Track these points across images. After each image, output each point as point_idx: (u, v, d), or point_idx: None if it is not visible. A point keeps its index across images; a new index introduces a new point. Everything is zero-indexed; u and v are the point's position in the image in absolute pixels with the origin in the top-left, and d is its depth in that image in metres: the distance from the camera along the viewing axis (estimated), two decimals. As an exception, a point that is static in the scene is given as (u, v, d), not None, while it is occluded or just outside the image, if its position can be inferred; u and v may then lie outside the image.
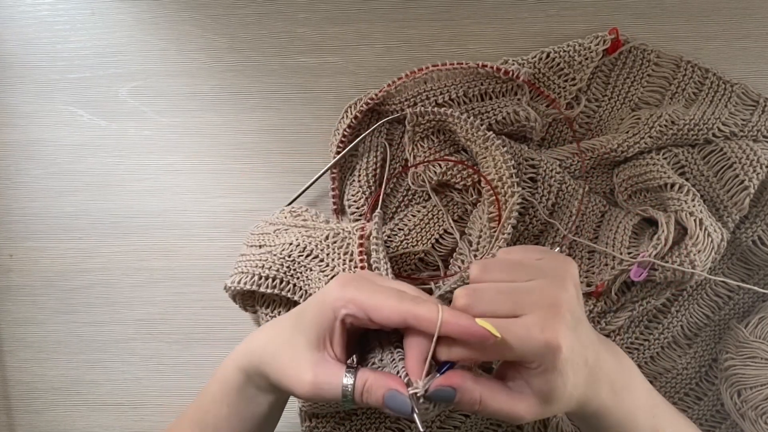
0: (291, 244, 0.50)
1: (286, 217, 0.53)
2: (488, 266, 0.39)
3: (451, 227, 0.52)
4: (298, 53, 0.55)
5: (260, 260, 0.50)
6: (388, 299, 0.37)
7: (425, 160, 0.52)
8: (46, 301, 0.58)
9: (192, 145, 0.56)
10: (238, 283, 0.51)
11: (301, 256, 0.50)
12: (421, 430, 0.37)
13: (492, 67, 0.50)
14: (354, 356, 0.42)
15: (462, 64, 0.51)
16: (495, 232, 0.48)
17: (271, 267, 0.50)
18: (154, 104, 0.56)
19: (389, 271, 0.48)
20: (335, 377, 0.38)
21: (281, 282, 0.50)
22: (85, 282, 0.57)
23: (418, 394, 0.36)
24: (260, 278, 0.50)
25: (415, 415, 0.36)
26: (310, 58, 0.55)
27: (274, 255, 0.50)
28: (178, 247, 0.57)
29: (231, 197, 0.56)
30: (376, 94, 0.52)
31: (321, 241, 0.50)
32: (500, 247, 0.47)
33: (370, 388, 0.37)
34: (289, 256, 0.50)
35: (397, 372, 0.38)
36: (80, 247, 0.57)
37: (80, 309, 0.57)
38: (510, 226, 0.48)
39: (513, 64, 0.51)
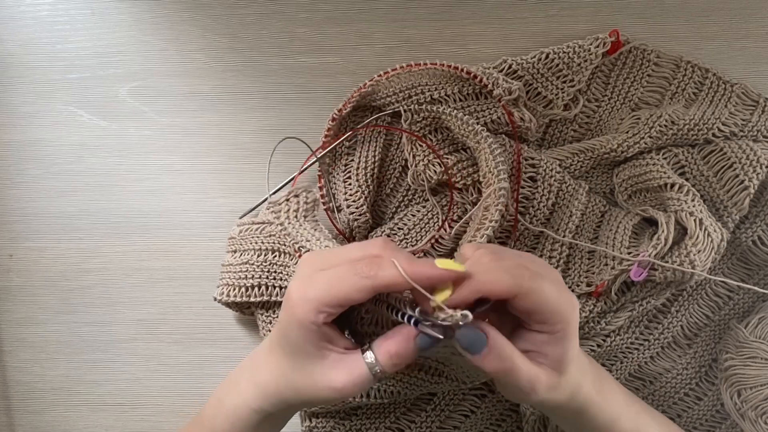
0: (262, 249, 0.50)
1: (252, 227, 0.53)
2: (485, 245, 0.39)
3: (448, 226, 0.52)
4: (298, 53, 0.55)
5: (242, 270, 0.51)
6: (346, 281, 0.35)
7: (425, 157, 0.52)
8: (46, 301, 0.58)
9: (192, 145, 0.56)
10: (227, 295, 0.52)
11: (276, 257, 0.50)
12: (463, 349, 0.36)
13: (467, 72, 0.51)
14: (348, 330, 0.42)
15: (442, 65, 0.51)
16: (485, 220, 0.48)
17: (253, 275, 0.51)
18: (154, 104, 0.56)
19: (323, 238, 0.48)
20: (358, 366, 0.37)
21: (267, 288, 0.51)
22: (85, 282, 0.57)
23: (451, 320, 0.34)
24: (247, 289, 0.51)
25: (455, 339, 0.35)
26: (310, 58, 0.55)
27: (253, 264, 0.51)
28: (178, 247, 0.57)
29: (231, 197, 0.56)
30: (363, 84, 0.52)
31: (286, 242, 0.50)
32: (487, 233, 0.47)
33: (397, 353, 0.37)
34: (266, 261, 0.50)
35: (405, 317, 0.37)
36: (80, 247, 0.57)
37: (80, 309, 0.57)
38: (498, 212, 0.47)
39: (501, 83, 0.51)
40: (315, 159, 0.53)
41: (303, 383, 0.38)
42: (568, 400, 0.39)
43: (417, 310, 0.36)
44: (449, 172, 0.52)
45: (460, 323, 0.34)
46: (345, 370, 0.37)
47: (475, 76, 0.51)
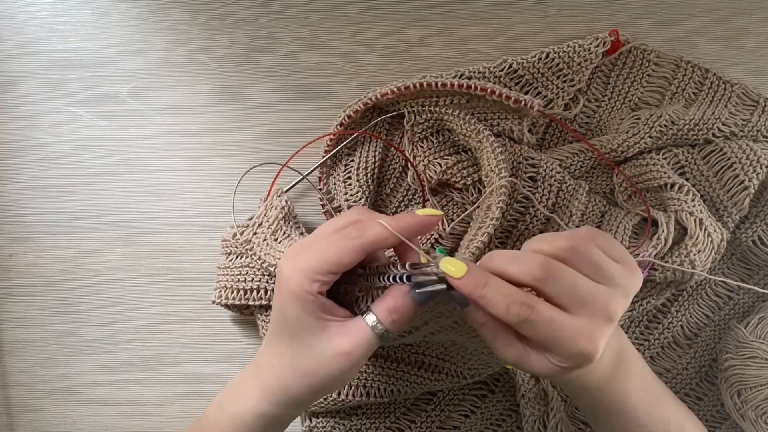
0: (259, 259, 0.50)
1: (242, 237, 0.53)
2: (578, 246, 0.37)
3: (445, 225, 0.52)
4: (298, 53, 0.55)
5: (240, 273, 0.51)
6: (335, 245, 0.36)
7: (425, 159, 0.52)
8: (46, 301, 0.58)
9: (192, 145, 0.56)
10: (225, 298, 0.52)
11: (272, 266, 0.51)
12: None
13: (503, 95, 0.49)
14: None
15: (473, 87, 0.50)
16: (486, 218, 0.48)
17: (252, 279, 0.51)
18: (154, 104, 0.56)
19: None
20: (361, 329, 0.38)
21: (266, 292, 0.51)
22: (85, 282, 0.57)
23: (433, 291, 0.36)
24: (246, 292, 0.51)
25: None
26: (310, 58, 0.55)
27: (253, 267, 0.51)
28: (178, 247, 0.57)
29: (231, 197, 0.56)
30: (373, 98, 0.51)
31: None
32: (488, 231, 0.47)
33: (395, 308, 0.37)
34: (263, 263, 0.50)
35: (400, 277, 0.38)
36: (80, 247, 0.57)
37: (80, 309, 0.57)
38: (498, 209, 0.47)
39: (523, 96, 0.50)
40: (320, 162, 0.54)
41: (309, 362, 0.38)
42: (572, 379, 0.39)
43: (407, 265, 0.37)
44: (449, 172, 0.52)
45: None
46: (349, 335, 0.38)
47: (509, 97, 0.49)
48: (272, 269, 0.49)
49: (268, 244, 0.50)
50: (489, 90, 0.49)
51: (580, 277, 0.36)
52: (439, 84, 0.50)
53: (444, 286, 0.36)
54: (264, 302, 0.51)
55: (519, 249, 0.51)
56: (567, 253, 0.36)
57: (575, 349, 0.35)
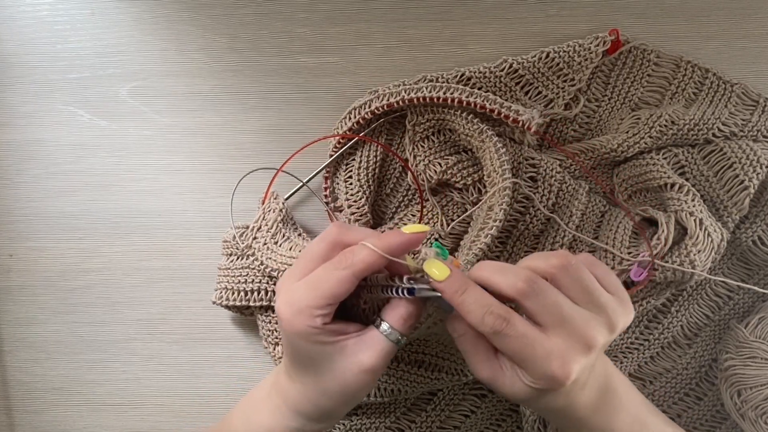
0: (261, 264, 0.51)
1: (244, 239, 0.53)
2: (571, 267, 0.37)
3: (444, 223, 0.52)
4: (298, 53, 0.55)
5: (241, 275, 0.51)
6: (327, 279, 0.36)
7: (426, 159, 0.52)
8: (46, 301, 0.58)
9: (192, 145, 0.56)
10: (226, 299, 0.52)
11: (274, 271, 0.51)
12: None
13: (502, 114, 0.50)
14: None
15: (474, 105, 0.50)
16: (489, 219, 0.48)
17: (253, 280, 0.51)
18: (154, 104, 0.56)
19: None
20: (378, 341, 0.39)
21: (266, 293, 0.51)
22: (85, 282, 0.57)
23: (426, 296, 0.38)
24: (246, 293, 0.51)
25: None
26: (310, 58, 0.55)
27: (254, 269, 0.51)
28: (178, 247, 0.57)
29: (230, 197, 0.56)
30: (381, 107, 0.51)
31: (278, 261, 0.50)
32: (491, 233, 0.47)
33: (409, 313, 0.38)
34: (266, 268, 0.51)
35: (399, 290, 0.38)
36: (80, 247, 0.57)
37: (80, 309, 0.57)
38: (501, 210, 0.47)
39: (522, 113, 0.50)
40: (321, 168, 0.54)
41: (336, 384, 0.39)
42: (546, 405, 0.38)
43: (405, 279, 0.37)
44: (449, 171, 0.52)
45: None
46: (369, 350, 0.38)
47: (499, 113, 0.50)
48: (275, 273, 0.50)
49: (268, 248, 0.51)
50: (488, 109, 0.50)
51: (564, 299, 0.36)
52: (440, 99, 0.50)
53: (439, 293, 0.37)
54: (264, 303, 0.52)
55: (518, 249, 0.52)
56: (558, 271, 0.37)
57: (546, 370, 0.35)
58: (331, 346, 0.38)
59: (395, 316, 0.39)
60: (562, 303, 0.36)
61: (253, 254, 0.51)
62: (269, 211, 0.52)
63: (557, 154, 0.53)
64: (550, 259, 0.37)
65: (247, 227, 0.53)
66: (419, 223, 0.53)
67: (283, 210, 0.52)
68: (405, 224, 0.53)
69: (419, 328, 0.46)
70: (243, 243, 0.51)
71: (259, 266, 0.51)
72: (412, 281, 0.37)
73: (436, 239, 0.52)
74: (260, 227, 0.52)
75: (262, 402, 0.43)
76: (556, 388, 0.36)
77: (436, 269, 0.37)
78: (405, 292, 0.37)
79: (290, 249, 0.50)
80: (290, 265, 0.49)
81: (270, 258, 0.50)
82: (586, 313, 0.36)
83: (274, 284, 0.51)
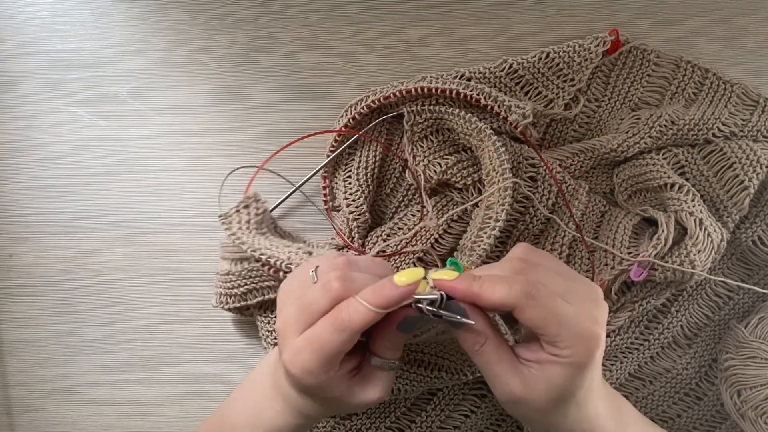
0: (238, 259, 0.51)
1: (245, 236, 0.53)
2: (536, 252, 0.39)
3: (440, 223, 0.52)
4: (298, 53, 0.55)
5: (229, 280, 0.51)
6: (328, 341, 0.36)
7: (425, 159, 0.52)
8: (46, 301, 0.58)
9: (192, 145, 0.56)
10: (225, 303, 0.52)
11: (249, 263, 0.51)
12: (461, 319, 0.37)
13: (494, 111, 0.50)
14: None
15: (469, 97, 0.50)
16: (489, 219, 0.48)
17: (245, 284, 0.51)
18: (154, 104, 0.56)
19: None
20: (376, 375, 0.40)
21: (259, 291, 0.51)
22: (85, 282, 0.57)
23: (427, 300, 0.37)
24: (244, 294, 0.51)
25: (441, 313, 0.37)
26: (310, 58, 0.55)
27: (251, 270, 0.51)
28: (178, 247, 0.57)
29: (231, 197, 0.56)
30: (377, 101, 0.51)
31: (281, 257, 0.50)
32: (494, 233, 0.47)
33: (391, 345, 0.39)
34: (247, 269, 0.51)
35: None
36: (80, 247, 0.57)
37: (80, 309, 0.57)
38: (503, 211, 0.47)
39: (514, 110, 0.50)
40: (318, 168, 0.54)
41: (343, 410, 0.43)
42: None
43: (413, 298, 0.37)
44: (449, 171, 0.52)
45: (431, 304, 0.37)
46: (373, 386, 0.40)
47: (490, 108, 0.50)
48: (280, 264, 0.49)
49: (248, 228, 0.51)
50: (482, 103, 0.50)
51: (552, 266, 0.38)
52: (438, 90, 0.50)
53: (436, 295, 0.37)
54: (259, 299, 0.51)
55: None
56: (532, 257, 0.39)
57: (581, 328, 0.35)
58: (338, 389, 0.39)
59: (381, 348, 0.40)
60: (560, 271, 0.38)
61: (230, 228, 0.51)
62: (253, 201, 0.52)
63: (557, 154, 0.53)
64: (514, 253, 0.40)
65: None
66: (420, 221, 0.52)
67: (260, 209, 0.52)
68: (405, 224, 0.53)
69: (420, 336, 0.46)
70: (222, 219, 0.52)
71: (234, 241, 0.50)
72: (418, 300, 0.37)
73: (437, 240, 0.52)
74: (241, 209, 0.52)
75: (266, 401, 0.43)
76: (594, 351, 0.35)
77: (445, 275, 0.37)
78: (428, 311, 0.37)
79: (266, 239, 0.50)
80: (265, 251, 0.49)
81: (246, 235, 0.50)
82: (576, 283, 0.38)
83: (260, 282, 0.51)
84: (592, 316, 0.36)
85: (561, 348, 0.35)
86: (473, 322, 0.37)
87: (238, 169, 0.55)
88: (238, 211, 0.52)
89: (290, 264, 0.47)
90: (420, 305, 0.37)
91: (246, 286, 0.51)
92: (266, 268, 0.50)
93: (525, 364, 0.37)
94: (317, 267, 0.39)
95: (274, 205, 0.54)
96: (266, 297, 0.51)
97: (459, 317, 0.37)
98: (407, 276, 0.36)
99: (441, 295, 0.37)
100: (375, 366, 0.40)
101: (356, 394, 0.40)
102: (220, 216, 0.52)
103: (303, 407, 0.41)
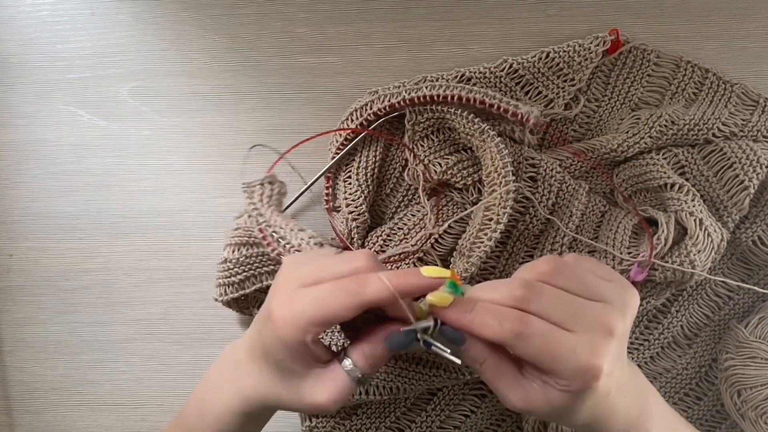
0: (237, 245, 0.50)
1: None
2: (561, 267, 0.37)
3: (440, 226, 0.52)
4: (298, 53, 0.55)
5: (237, 265, 0.51)
6: (334, 300, 0.35)
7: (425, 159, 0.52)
8: (46, 301, 0.58)
9: (192, 145, 0.56)
10: (224, 294, 0.52)
11: (248, 249, 0.51)
12: (452, 356, 0.36)
13: (501, 109, 0.50)
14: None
15: (473, 101, 0.50)
16: (489, 221, 0.48)
17: (244, 271, 0.51)
18: (154, 104, 0.56)
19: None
20: (338, 378, 0.38)
21: (256, 277, 0.51)
22: (85, 282, 0.57)
23: (421, 327, 0.36)
24: (242, 281, 0.51)
25: (434, 347, 0.36)
26: (310, 58, 0.55)
27: (249, 257, 0.51)
28: (178, 247, 0.57)
29: (231, 197, 0.56)
30: (383, 108, 0.51)
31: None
32: (495, 235, 0.47)
33: (371, 354, 0.38)
34: (246, 255, 0.50)
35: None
36: (80, 247, 0.57)
37: (80, 309, 0.57)
38: (505, 214, 0.47)
39: (523, 107, 0.50)
40: (324, 169, 0.54)
41: (287, 396, 0.39)
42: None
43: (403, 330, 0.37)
44: (449, 171, 0.52)
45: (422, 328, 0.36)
46: (327, 386, 0.38)
47: (498, 107, 0.49)
48: (261, 226, 0.49)
49: (268, 203, 0.50)
50: (487, 104, 0.49)
51: (567, 294, 0.36)
52: (440, 96, 0.50)
53: (430, 323, 0.36)
54: (257, 286, 0.51)
55: (518, 250, 0.52)
56: (549, 275, 0.36)
57: (577, 363, 0.34)
58: (299, 367, 0.37)
59: (359, 353, 0.38)
60: (566, 298, 0.35)
61: (251, 197, 0.50)
62: (278, 181, 0.51)
63: (557, 154, 0.53)
64: (537, 267, 0.37)
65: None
66: (424, 227, 0.52)
67: (283, 196, 0.52)
68: (405, 224, 0.53)
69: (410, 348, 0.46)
70: (245, 188, 0.51)
71: (252, 211, 0.49)
72: (407, 329, 0.36)
73: (436, 239, 0.52)
74: (266, 183, 0.51)
75: (215, 386, 0.42)
76: (592, 382, 0.34)
77: (439, 300, 0.36)
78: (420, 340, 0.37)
79: (284, 218, 0.49)
80: (283, 228, 0.48)
81: (266, 209, 0.49)
82: (595, 303, 0.35)
83: (259, 267, 0.50)
84: (592, 347, 0.34)
85: (557, 379, 0.35)
86: (459, 361, 0.36)
87: (256, 146, 0.54)
88: (262, 184, 0.51)
89: (298, 251, 0.47)
90: (415, 331, 0.36)
91: (244, 273, 0.51)
92: (271, 248, 0.48)
93: (528, 378, 0.36)
94: (342, 249, 0.39)
95: (287, 204, 0.54)
96: (264, 283, 0.51)
97: (448, 352, 0.36)
98: (434, 271, 0.36)
99: (435, 320, 0.36)
100: (344, 370, 0.38)
101: (308, 384, 0.38)
102: (243, 184, 0.50)
103: (247, 387, 0.39)
